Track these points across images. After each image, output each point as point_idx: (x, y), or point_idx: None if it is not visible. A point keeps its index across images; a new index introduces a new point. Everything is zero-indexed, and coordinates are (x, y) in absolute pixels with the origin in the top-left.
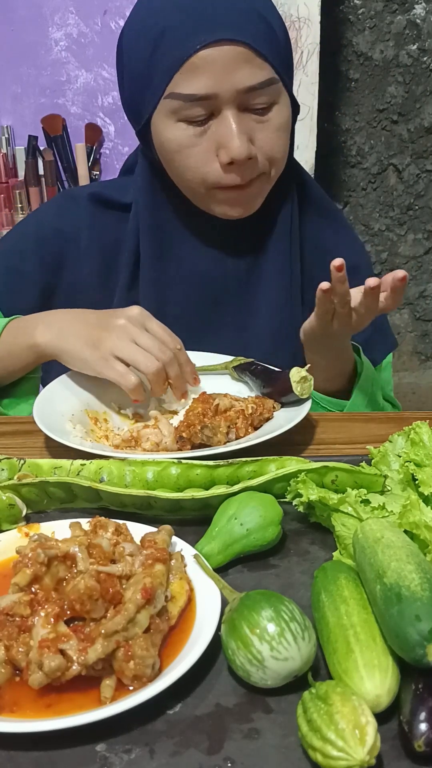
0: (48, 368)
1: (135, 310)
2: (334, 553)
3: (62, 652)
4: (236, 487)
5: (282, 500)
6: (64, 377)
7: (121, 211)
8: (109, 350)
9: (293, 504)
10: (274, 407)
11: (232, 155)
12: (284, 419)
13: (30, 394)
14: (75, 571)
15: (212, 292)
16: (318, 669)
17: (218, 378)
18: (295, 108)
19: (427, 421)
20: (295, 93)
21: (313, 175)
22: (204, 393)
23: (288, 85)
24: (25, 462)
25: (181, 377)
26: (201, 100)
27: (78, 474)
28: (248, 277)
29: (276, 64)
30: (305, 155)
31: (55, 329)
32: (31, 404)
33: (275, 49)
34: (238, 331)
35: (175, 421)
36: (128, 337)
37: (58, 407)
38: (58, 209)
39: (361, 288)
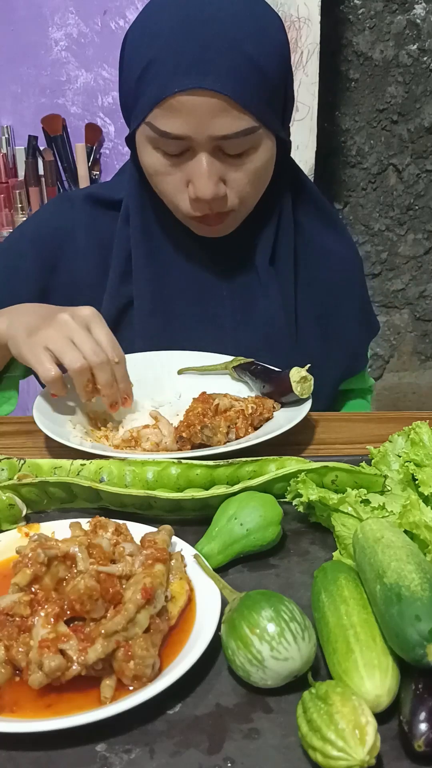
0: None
1: (86, 310)
2: (334, 553)
3: (62, 652)
4: (236, 487)
5: (282, 500)
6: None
7: (116, 209)
8: (42, 340)
9: (293, 504)
10: (274, 407)
11: (198, 194)
12: (284, 419)
13: (8, 389)
14: (75, 571)
15: (206, 289)
16: (318, 669)
17: (218, 378)
18: (285, 144)
19: (427, 421)
20: (295, 93)
21: (313, 175)
22: (204, 393)
23: (275, 128)
24: (25, 462)
25: (111, 386)
26: (175, 138)
27: (78, 474)
28: (242, 277)
29: (259, 112)
30: (305, 155)
31: (8, 319)
32: (13, 404)
33: (261, 98)
34: (234, 329)
35: (175, 421)
36: (65, 331)
37: (58, 407)
38: (55, 210)
39: None
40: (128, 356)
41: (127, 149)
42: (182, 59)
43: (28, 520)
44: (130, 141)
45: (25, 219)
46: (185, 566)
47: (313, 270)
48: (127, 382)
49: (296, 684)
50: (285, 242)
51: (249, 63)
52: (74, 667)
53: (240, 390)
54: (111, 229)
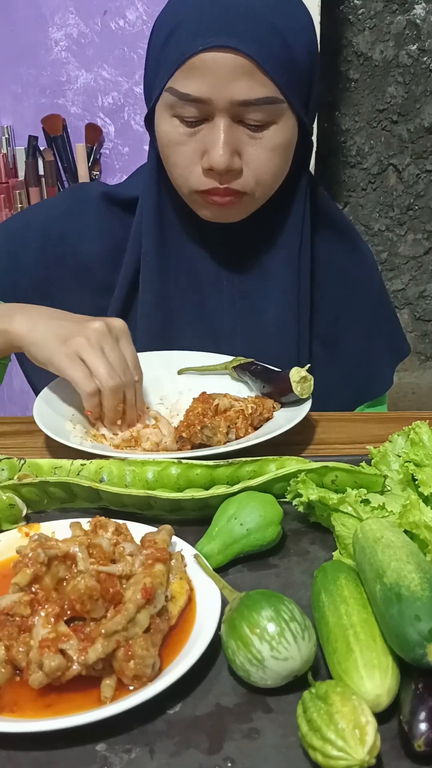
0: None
1: (117, 322)
2: (334, 553)
3: (62, 652)
4: (236, 487)
5: (282, 500)
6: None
7: (131, 211)
8: (76, 348)
9: (293, 504)
10: (274, 407)
11: (212, 163)
12: (284, 419)
13: None
14: (75, 571)
15: (211, 294)
16: (318, 669)
17: (218, 378)
18: (306, 141)
19: (427, 421)
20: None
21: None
22: (204, 393)
23: (297, 108)
24: (25, 462)
25: (133, 406)
26: (195, 101)
27: (78, 474)
28: (250, 291)
29: (282, 83)
30: None
31: (31, 321)
32: None
33: (286, 68)
34: (232, 335)
35: (175, 421)
36: (99, 342)
37: (58, 407)
38: (68, 209)
39: None
40: None
41: (127, 149)
42: (207, 21)
43: (28, 520)
44: (149, 122)
45: (34, 204)
46: (185, 566)
47: (331, 287)
48: (142, 401)
49: (296, 684)
50: (301, 263)
51: (276, 33)
52: (74, 667)
53: (240, 390)
54: (125, 231)
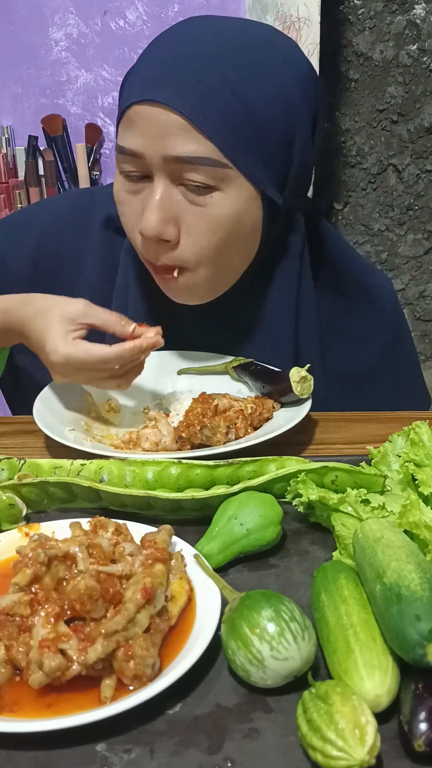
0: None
1: (78, 305)
2: (334, 553)
3: (62, 651)
4: (236, 487)
5: (282, 500)
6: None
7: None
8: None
9: (293, 504)
10: (273, 407)
11: (140, 226)
12: (284, 419)
13: None
14: (75, 571)
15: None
16: (318, 669)
17: (218, 378)
18: (277, 209)
19: (427, 421)
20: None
21: (313, 176)
22: (204, 393)
23: (254, 177)
24: (25, 462)
25: (135, 369)
26: (131, 156)
27: (78, 474)
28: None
29: (228, 146)
30: None
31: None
32: None
33: (235, 130)
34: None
35: (175, 421)
36: (67, 375)
37: (58, 407)
38: (69, 228)
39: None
40: None
41: None
42: (150, 73)
43: (28, 520)
44: None
45: (38, 202)
46: (185, 566)
47: (342, 361)
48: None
49: (296, 684)
50: (293, 332)
51: (228, 92)
52: (74, 667)
53: (240, 390)
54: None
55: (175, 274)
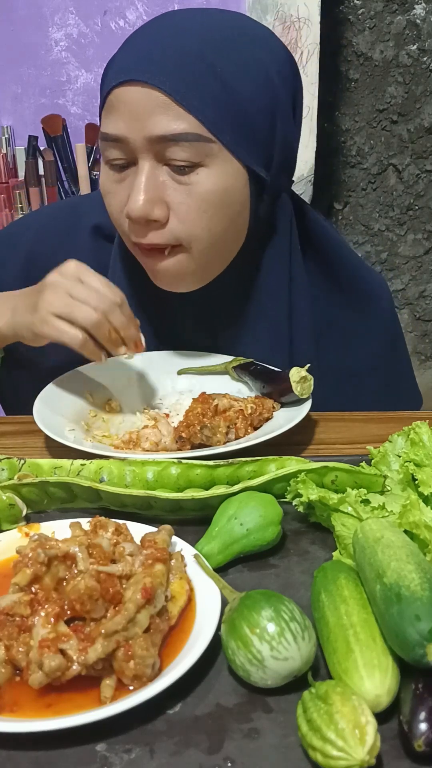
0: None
1: (70, 264)
2: (333, 553)
3: (62, 651)
4: (236, 487)
5: (282, 500)
6: (64, 377)
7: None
8: (46, 308)
9: (293, 504)
10: (273, 407)
11: (127, 210)
12: (284, 419)
13: None
14: (75, 571)
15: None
16: (318, 669)
17: (218, 378)
18: (263, 183)
19: (427, 421)
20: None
21: (313, 176)
22: (204, 393)
23: (238, 151)
24: (25, 462)
25: (128, 327)
26: (115, 141)
27: (78, 474)
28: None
29: (211, 120)
30: (305, 155)
31: (7, 310)
32: None
33: (216, 104)
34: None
35: (175, 421)
36: (62, 290)
37: (58, 407)
38: (57, 239)
39: None
40: None
41: None
42: (128, 58)
43: (28, 520)
44: None
45: (24, 216)
46: (185, 566)
47: (339, 356)
48: (134, 320)
49: (296, 684)
50: (287, 320)
51: (205, 67)
52: (74, 667)
53: (240, 390)
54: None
55: (166, 252)
